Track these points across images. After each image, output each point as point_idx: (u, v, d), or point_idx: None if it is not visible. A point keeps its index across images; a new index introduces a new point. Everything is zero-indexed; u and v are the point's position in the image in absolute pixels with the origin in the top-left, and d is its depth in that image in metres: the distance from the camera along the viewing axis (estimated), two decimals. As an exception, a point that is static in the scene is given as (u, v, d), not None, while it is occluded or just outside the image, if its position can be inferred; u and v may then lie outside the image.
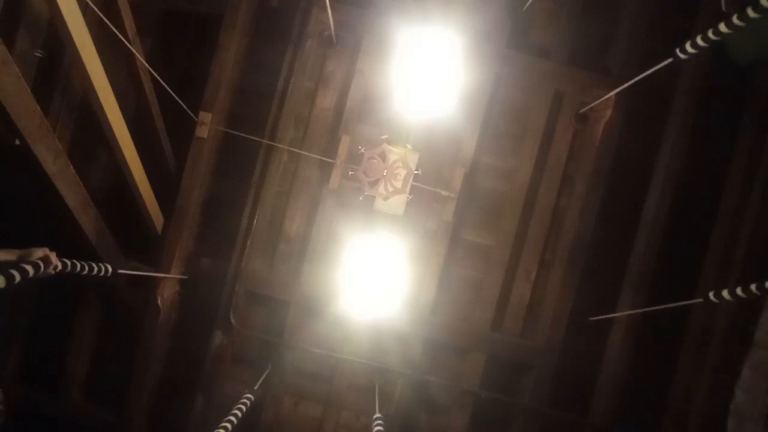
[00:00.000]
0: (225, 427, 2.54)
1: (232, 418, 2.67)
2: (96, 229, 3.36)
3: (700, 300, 2.67)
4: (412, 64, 3.31)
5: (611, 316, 3.51)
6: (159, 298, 3.55)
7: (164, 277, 3.58)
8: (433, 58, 3.27)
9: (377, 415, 3.10)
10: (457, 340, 3.79)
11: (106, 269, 2.62)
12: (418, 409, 3.87)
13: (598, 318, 3.56)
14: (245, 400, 2.94)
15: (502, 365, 3.81)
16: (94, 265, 2.51)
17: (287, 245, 3.82)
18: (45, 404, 3.96)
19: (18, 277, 1.83)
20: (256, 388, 3.21)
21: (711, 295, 2.53)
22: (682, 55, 2.51)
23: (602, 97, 3.51)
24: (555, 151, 3.80)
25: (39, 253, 2.06)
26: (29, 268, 1.94)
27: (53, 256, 2.12)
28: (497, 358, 3.79)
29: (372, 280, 3.41)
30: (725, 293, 2.38)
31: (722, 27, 2.16)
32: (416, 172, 3.50)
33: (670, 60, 2.57)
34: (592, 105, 3.57)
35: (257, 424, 3.79)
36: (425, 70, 3.30)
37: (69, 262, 2.28)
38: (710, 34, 2.24)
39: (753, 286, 2.22)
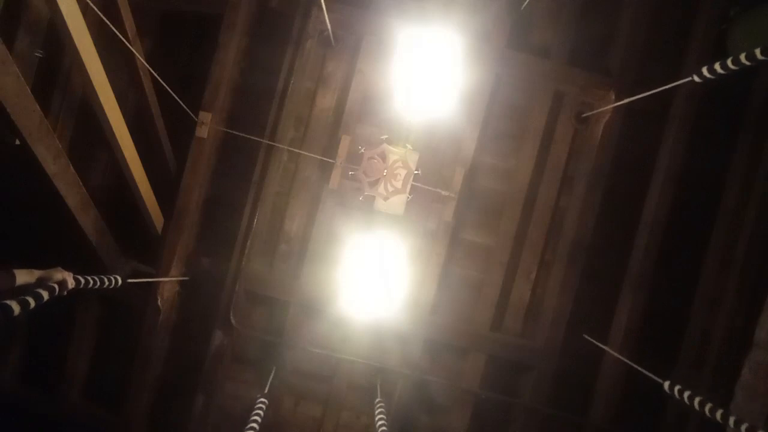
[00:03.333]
0: None
1: (255, 425, 2.60)
2: (96, 229, 3.36)
3: (661, 382, 2.74)
4: (412, 65, 3.30)
5: (602, 346, 3.50)
6: (159, 298, 3.55)
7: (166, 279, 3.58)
8: (433, 58, 3.27)
9: (378, 399, 3.09)
10: (457, 340, 3.79)
11: (116, 281, 2.63)
12: (418, 409, 3.87)
13: (591, 339, 3.57)
14: (261, 405, 2.88)
15: (502, 365, 3.81)
16: (105, 278, 2.52)
17: (287, 245, 3.82)
18: (45, 404, 3.96)
19: (33, 304, 1.83)
20: (266, 391, 3.18)
21: (666, 385, 2.65)
22: (697, 78, 2.50)
23: (602, 96, 3.51)
24: (555, 151, 3.80)
25: (58, 276, 2.06)
26: (44, 293, 1.93)
27: (70, 279, 2.12)
28: (497, 358, 3.79)
29: (372, 280, 3.41)
30: (685, 395, 2.45)
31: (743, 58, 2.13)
32: (416, 172, 3.50)
33: (689, 79, 2.57)
34: (596, 111, 3.59)
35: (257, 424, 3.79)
36: (425, 70, 3.30)
37: (82, 279, 2.28)
38: (729, 63, 2.22)
39: (719, 412, 2.26)
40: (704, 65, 2.36)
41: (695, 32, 3.59)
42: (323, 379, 3.86)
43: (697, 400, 2.38)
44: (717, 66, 2.30)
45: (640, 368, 2.88)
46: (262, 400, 2.96)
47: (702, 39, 3.55)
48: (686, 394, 2.47)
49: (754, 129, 3.62)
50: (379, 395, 3.38)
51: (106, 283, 2.54)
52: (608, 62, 3.79)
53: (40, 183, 2.71)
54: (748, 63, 2.13)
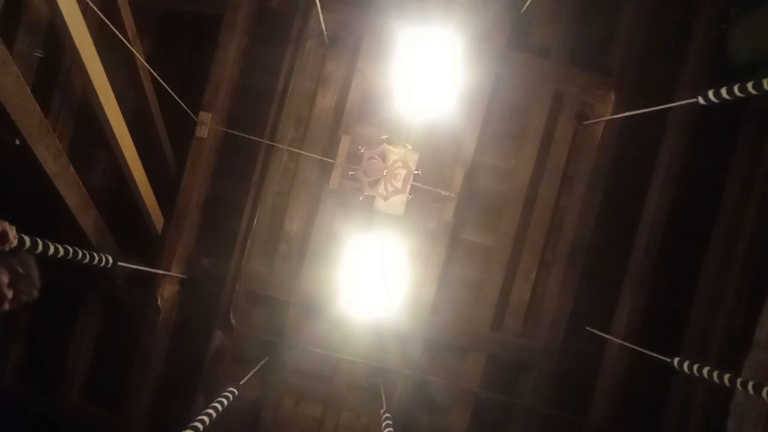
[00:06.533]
0: (201, 420, 2.36)
1: (211, 411, 2.49)
2: (96, 229, 3.36)
3: (668, 360, 2.79)
4: (412, 65, 3.30)
5: (606, 336, 3.51)
6: (159, 298, 3.55)
7: (164, 277, 3.58)
8: (433, 58, 3.27)
9: (384, 409, 3.06)
10: (457, 340, 3.79)
11: (107, 260, 2.54)
12: (418, 409, 3.86)
13: (595, 331, 3.58)
14: (227, 394, 2.76)
15: (502, 365, 3.81)
16: (87, 253, 2.40)
17: (287, 245, 3.82)
18: (45, 404, 3.95)
19: None
20: (242, 383, 3.13)
21: (675, 361, 2.72)
22: (703, 101, 2.52)
23: (602, 96, 3.50)
24: (555, 151, 3.80)
25: None
26: None
27: (12, 232, 1.98)
28: (497, 358, 3.79)
29: (372, 280, 3.41)
30: (695, 368, 2.50)
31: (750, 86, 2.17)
32: (416, 172, 3.50)
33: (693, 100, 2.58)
34: (597, 120, 3.60)
35: (257, 424, 3.79)
36: (425, 70, 3.30)
37: (62, 248, 2.16)
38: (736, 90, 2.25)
39: (726, 376, 2.32)
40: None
41: (695, 32, 3.59)
42: (323, 379, 3.85)
43: (705, 369, 2.41)
44: (723, 91, 2.35)
45: (645, 350, 2.88)
46: (231, 389, 2.83)
47: (702, 39, 3.55)
48: (695, 366, 2.49)
49: (754, 129, 3.62)
50: (384, 405, 3.34)
51: (96, 259, 2.38)
52: (608, 62, 3.79)
53: (40, 183, 2.71)
54: (754, 92, 2.16)
